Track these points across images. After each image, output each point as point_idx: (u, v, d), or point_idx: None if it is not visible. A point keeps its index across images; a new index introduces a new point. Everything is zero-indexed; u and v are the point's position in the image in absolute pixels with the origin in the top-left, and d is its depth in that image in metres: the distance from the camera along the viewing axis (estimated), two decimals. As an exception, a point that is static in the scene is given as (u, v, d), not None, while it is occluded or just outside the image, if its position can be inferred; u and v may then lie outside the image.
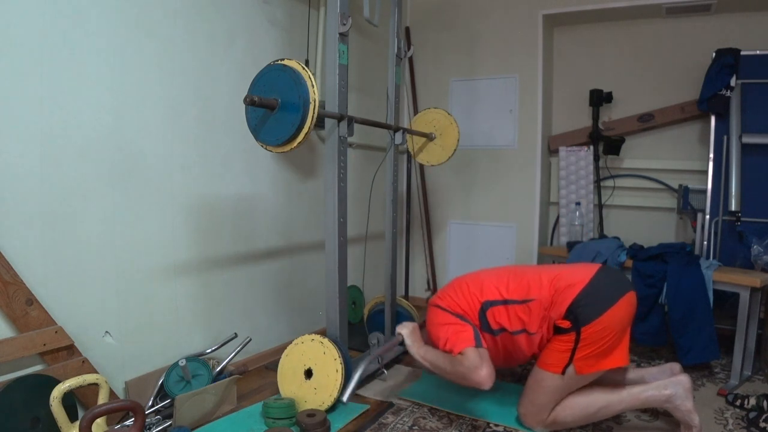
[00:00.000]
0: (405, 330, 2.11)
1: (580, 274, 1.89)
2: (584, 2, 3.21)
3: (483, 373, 1.78)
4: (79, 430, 1.42)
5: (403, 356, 2.75)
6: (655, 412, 2.07)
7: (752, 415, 1.97)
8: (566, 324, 1.80)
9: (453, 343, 1.87)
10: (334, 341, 2.12)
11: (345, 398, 1.85)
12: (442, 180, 3.80)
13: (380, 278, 3.26)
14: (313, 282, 3.03)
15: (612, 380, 1.97)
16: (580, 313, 1.79)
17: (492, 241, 3.66)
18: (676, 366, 2.00)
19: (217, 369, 2.19)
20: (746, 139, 2.79)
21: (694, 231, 3.03)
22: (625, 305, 1.84)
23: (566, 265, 2.05)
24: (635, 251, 2.82)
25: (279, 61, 1.87)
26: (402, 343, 2.10)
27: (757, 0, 2.92)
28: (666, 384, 1.82)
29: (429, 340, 2.07)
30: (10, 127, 1.67)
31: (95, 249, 1.93)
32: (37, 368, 1.75)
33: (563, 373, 1.82)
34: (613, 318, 1.79)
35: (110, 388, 1.82)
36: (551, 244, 3.65)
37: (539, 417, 1.88)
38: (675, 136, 3.29)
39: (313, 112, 1.79)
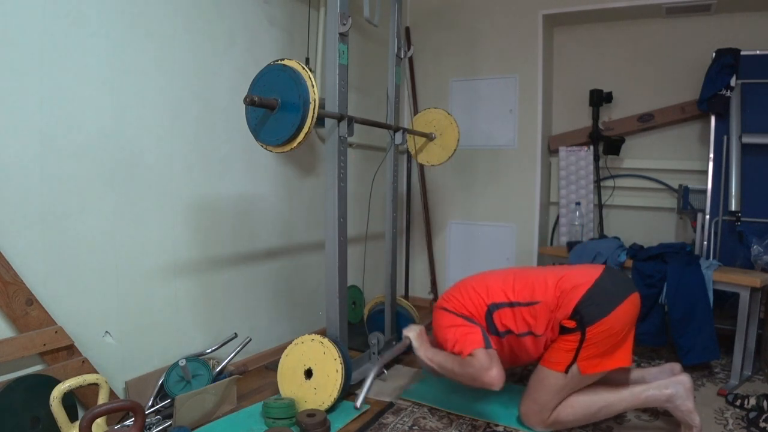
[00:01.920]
0: (412, 333, 2.11)
1: (584, 276, 1.89)
2: (584, 2, 3.21)
3: (493, 374, 1.79)
4: (79, 430, 1.42)
5: (404, 356, 2.75)
6: (656, 412, 2.07)
7: (752, 415, 1.98)
8: (572, 324, 1.81)
9: (462, 344, 1.87)
10: (334, 341, 2.12)
11: (358, 404, 1.82)
12: (442, 180, 3.80)
13: (380, 278, 3.26)
14: (313, 282, 3.03)
15: (614, 380, 1.97)
16: (585, 314, 1.79)
17: (492, 241, 3.66)
18: (676, 366, 2.00)
19: (217, 369, 2.19)
20: (746, 139, 2.79)
21: (694, 231, 3.03)
22: (630, 306, 1.84)
23: (570, 266, 2.05)
24: (635, 251, 2.82)
25: (279, 61, 1.87)
26: (410, 347, 2.10)
27: (757, 0, 2.92)
28: (667, 384, 1.83)
29: (436, 343, 2.07)
30: (10, 127, 1.67)
31: (95, 249, 1.93)
32: (37, 368, 1.75)
33: (566, 372, 1.82)
34: (617, 318, 1.79)
35: (110, 388, 1.82)
36: (551, 244, 3.65)
37: (541, 416, 1.88)
38: (675, 136, 3.29)
39: (313, 112, 1.79)
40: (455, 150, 2.92)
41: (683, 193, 3.06)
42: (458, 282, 2.12)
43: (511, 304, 1.93)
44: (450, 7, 3.67)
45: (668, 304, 2.53)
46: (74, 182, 1.85)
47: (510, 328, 1.93)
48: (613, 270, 1.98)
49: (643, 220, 3.38)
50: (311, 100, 1.78)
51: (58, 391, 1.63)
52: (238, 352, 2.30)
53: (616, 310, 1.79)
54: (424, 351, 2.05)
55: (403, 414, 2.08)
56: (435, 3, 3.71)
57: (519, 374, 2.50)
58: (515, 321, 1.92)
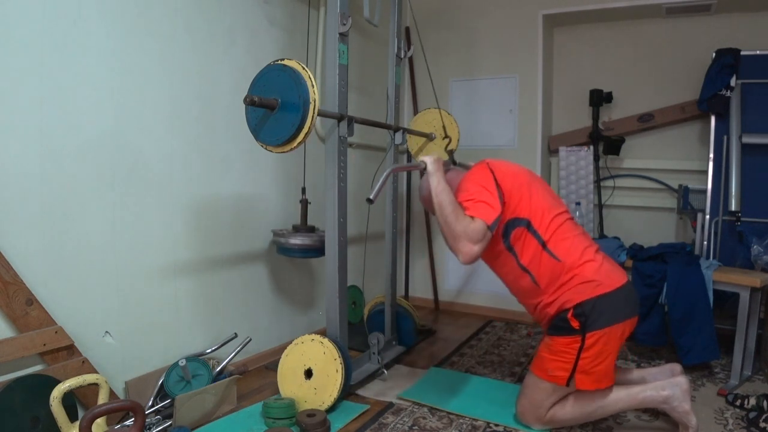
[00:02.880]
0: (429, 158, 1.96)
1: (610, 277, 1.83)
2: (584, 2, 3.21)
3: (474, 249, 1.72)
4: (79, 430, 1.42)
5: (404, 356, 2.76)
6: (655, 412, 2.07)
7: (752, 415, 1.97)
8: (576, 324, 1.79)
9: (474, 204, 1.77)
10: (334, 341, 2.12)
11: (371, 196, 1.74)
12: (442, 180, 3.79)
13: (380, 278, 3.26)
14: (313, 282, 3.03)
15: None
16: (590, 315, 1.77)
17: (492, 241, 3.65)
18: (676, 367, 2.00)
19: (217, 369, 2.19)
20: (746, 139, 2.79)
21: (694, 231, 3.03)
22: (629, 326, 1.84)
23: (606, 256, 1.93)
24: (635, 251, 2.82)
25: (279, 61, 1.87)
26: (423, 169, 1.96)
27: (757, 0, 2.92)
28: (664, 385, 1.82)
29: (452, 183, 1.93)
30: (11, 127, 1.67)
31: (95, 249, 1.93)
32: (37, 368, 1.75)
33: (568, 385, 1.82)
34: (616, 333, 1.79)
35: (110, 388, 1.82)
36: (551, 244, 3.64)
37: (537, 414, 1.88)
38: (675, 136, 3.29)
39: (313, 112, 1.79)
40: (455, 150, 2.92)
41: (683, 193, 3.07)
42: (525, 170, 1.99)
43: (542, 243, 1.84)
44: (450, 7, 3.67)
45: (668, 304, 2.53)
46: (74, 182, 1.85)
47: (519, 253, 1.86)
48: (632, 287, 1.92)
49: (643, 220, 3.38)
50: (311, 100, 1.78)
51: (58, 391, 1.63)
52: (238, 352, 2.30)
53: (618, 325, 1.79)
54: (437, 178, 1.88)
55: (403, 414, 2.08)
56: (435, 3, 3.71)
57: (519, 375, 2.50)
58: (532, 255, 1.84)
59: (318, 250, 2.45)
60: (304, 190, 2.60)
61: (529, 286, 1.89)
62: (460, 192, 1.87)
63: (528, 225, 1.85)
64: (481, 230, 1.73)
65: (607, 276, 1.83)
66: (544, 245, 1.84)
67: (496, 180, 1.85)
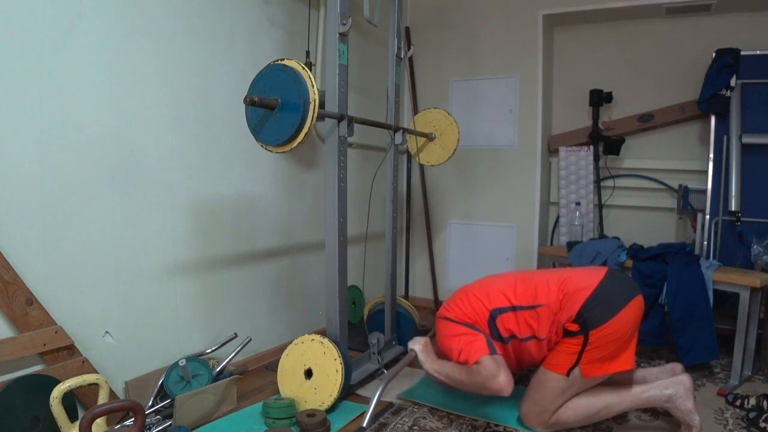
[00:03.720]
0: (417, 346, 2.12)
1: (588, 279, 1.88)
2: (584, 2, 3.21)
3: (502, 380, 1.79)
4: (79, 430, 1.42)
5: (403, 356, 2.75)
6: (656, 412, 2.07)
7: (752, 415, 1.97)
8: (575, 327, 1.80)
9: (467, 353, 1.87)
10: (334, 341, 2.12)
11: (365, 424, 1.83)
12: (442, 180, 3.80)
13: (380, 278, 3.26)
14: (313, 282, 3.03)
15: (615, 380, 1.97)
16: (588, 317, 1.78)
17: (492, 241, 3.66)
18: (677, 366, 2.00)
19: (217, 369, 2.19)
20: (746, 139, 2.79)
21: (694, 231, 3.03)
22: (634, 309, 1.84)
23: (573, 269, 2.05)
24: (635, 251, 2.81)
25: (279, 61, 1.87)
26: (415, 360, 2.10)
27: (757, 0, 2.92)
28: (667, 384, 1.82)
29: (441, 354, 2.07)
30: (10, 127, 1.67)
31: (95, 249, 1.93)
32: (37, 368, 1.75)
33: (568, 374, 1.82)
34: (621, 322, 1.79)
35: (110, 388, 1.82)
36: (551, 244, 3.65)
37: (541, 418, 1.88)
38: (675, 136, 3.29)
39: (313, 112, 1.79)
40: (455, 150, 2.92)
41: (683, 193, 3.06)
42: (459, 289, 2.12)
43: (513, 308, 1.93)
44: (450, 7, 3.67)
45: (668, 304, 2.53)
46: (74, 182, 1.85)
47: (513, 332, 1.92)
48: (617, 272, 1.97)
49: (643, 220, 3.38)
50: (311, 100, 1.78)
51: (58, 391, 1.63)
52: (238, 352, 2.30)
53: (619, 314, 1.79)
54: (430, 364, 2.06)
55: (403, 414, 2.08)
56: (435, 3, 3.70)
57: (519, 375, 2.49)
58: (518, 325, 1.92)
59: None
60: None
61: (537, 346, 1.92)
62: (449, 354, 1.98)
63: (496, 310, 1.95)
64: (490, 363, 1.82)
65: (584, 279, 1.88)
66: (515, 309, 1.93)
67: (455, 321, 1.98)
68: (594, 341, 1.78)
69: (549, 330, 1.87)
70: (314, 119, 1.80)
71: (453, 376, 1.94)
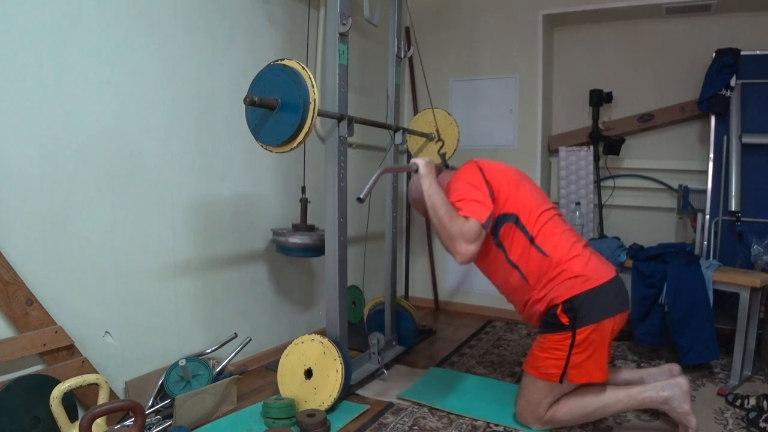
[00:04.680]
0: (421, 161, 1.97)
1: (599, 271, 1.84)
2: (584, 2, 3.21)
3: (470, 249, 1.73)
4: (79, 430, 1.42)
5: (404, 356, 2.76)
6: (655, 413, 2.07)
7: (752, 415, 1.97)
8: (565, 319, 1.79)
9: (467, 204, 1.78)
10: (334, 341, 2.12)
11: (362, 195, 1.75)
12: (442, 180, 3.80)
13: (380, 278, 3.26)
14: (313, 282, 3.03)
15: (612, 380, 1.97)
16: (580, 311, 1.78)
17: (492, 241, 3.65)
18: (675, 367, 2.00)
19: (217, 369, 2.19)
20: (746, 139, 2.79)
21: (694, 231, 3.03)
22: (619, 321, 1.84)
23: (593, 252, 1.94)
24: (635, 251, 2.82)
25: (279, 61, 1.87)
26: (415, 171, 1.98)
27: (757, 0, 2.92)
28: (664, 386, 1.82)
29: (441, 184, 1.93)
30: (10, 127, 1.67)
31: (95, 249, 1.93)
32: (37, 368, 1.75)
33: (561, 382, 1.82)
34: (605, 328, 1.79)
35: (110, 388, 1.82)
36: (551, 244, 3.64)
37: (536, 414, 1.88)
38: (675, 136, 3.29)
39: (313, 112, 1.79)
40: (455, 150, 2.92)
41: (683, 193, 3.06)
42: (512, 168, 2.00)
43: (530, 238, 1.85)
44: (450, 7, 3.67)
45: (668, 304, 2.53)
46: (74, 182, 1.85)
47: (508, 248, 1.87)
48: (621, 280, 1.93)
49: (643, 220, 3.38)
50: (311, 100, 1.78)
51: (58, 391, 1.63)
52: (238, 352, 2.30)
53: (605, 321, 1.79)
54: (429, 181, 1.88)
55: (403, 414, 2.08)
56: (435, 3, 3.71)
57: (519, 374, 2.50)
58: (520, 251, 1.85)
59: (317, 249, 2.45)
60: (303, 189, 2.60)
61: (518, 283, 1.90)
62: (450, 192, 1.87)
63: (516, 221, 1.87)
64: (476, 229, 1.74)
65: (595, 271, 1.84)
66: (532, 240, 1.85)
67: (485, 177, 1.87)
68: (580, 341, 1.78)
69: (537, 280, 1.83)
70: (314, 119, 1.80)
71: (436, 206, 1.80)
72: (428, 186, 1.87)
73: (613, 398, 1.84)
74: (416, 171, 1.97)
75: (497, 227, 1.87)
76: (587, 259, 1.86)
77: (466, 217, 1.76)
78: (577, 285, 1.80)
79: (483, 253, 1.90)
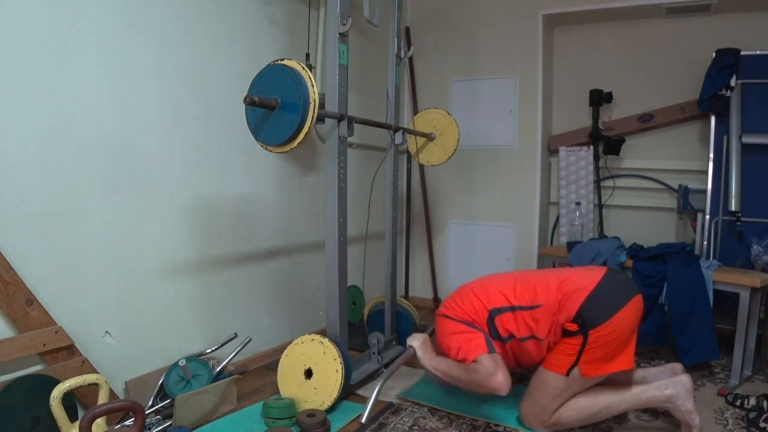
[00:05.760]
0: (416, 342, 2.12)
1: (587, 278, 1.88)
2: (584, 2, 3.21)
3: (499, 379, 1.80)
4: (79, 430, 1.42)
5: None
6: (656, 412, 2.07)
7: (752, 415, 1.97)
8: (574, 327, 1.80)
9: (466, 351, 1.88)
10: (334, 341, 2.12)
11: (363, 420, 1.87)
12: (442, 180, 3.80)
13: (380, 278, 3.26)
14: (313, 282, 3.03)
15: (615, 380, 1.97)
16: (588, 317, 1.78)
17: (492, 241, 3.66)
18: (677, 366, 2.00)
19: (217, 369, 2.19)
20: (746, 139, 2.79)
21: (694, 231, 3.03)
22: (633, 309, 1.83)
23: (572, 269, 2.05)
24: (635, 251, 2.81)
25: (279, 61, 1.87)
26: (414, 358, 2.11)
27: (757, 0, 2.92)
28: (667, 384, 1.82)
29: (440, 351, 2.07)
30: (10, 127, 1.67)
31: (95, 249, 1.93)
32: (37, 368, 1.75)
33: (568, 374, 1.82)
34: (620, 322, 1.79)
35: (110, 388, 1.82)
36: (551, 244, 3.65)
37: (541, 417, 1.88)
38: (675, 136, 3.29)
39: (313, 112, 1.79)
40: (455, 150, 2.92)
41: (683, 193, 3.06)
42: (459, 288, 2.12)
43: (512, 308, 1.93)
44: (450, 7, 3.67)
45: (668, 304, 2.53)
46: (74, 182, 1.85)
47: (512, 332, 1.92)
48: (616, 272, 1.97)
49: (643, 220, 3.38)
50: (311, 100, 1.78)
51: (58, 391, 1.63)
52: (238, 352, 2.30)
53: (618, 314, 1.79)
54: (428, 360, 2.06)
55: (403, 414, 2.08)
56: (435, 3, 3.70)
57: (519, 375, 2.50)
58: (517, 325, 1.92)
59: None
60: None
61: (536, 345, 1.92)
62: (447, 352, 1.97)
63: (495, 310, 1.95)
64: (488, 361, 1.83)
65: (583, 279, 1.88)
66: (514, 309, 1.92)
67: (456, 319, 1.97)
68: (593, 341, 1.78)
69: (548, 330, 1.87)
70: (314, 119, 1.80)
71: (451, 374, 1.94)
72: (432, 365, 2.04)
73: (617, 398, 1.84)
74: (414, 354, 2.11)
75: (495, 332, 1.94)
76: (569, 277, 1.91)
77: (475, 361, 1.84)
78: (575, 299, 1.83)
79: (509, 358, 1.97)
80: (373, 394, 1.92)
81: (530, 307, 1.90)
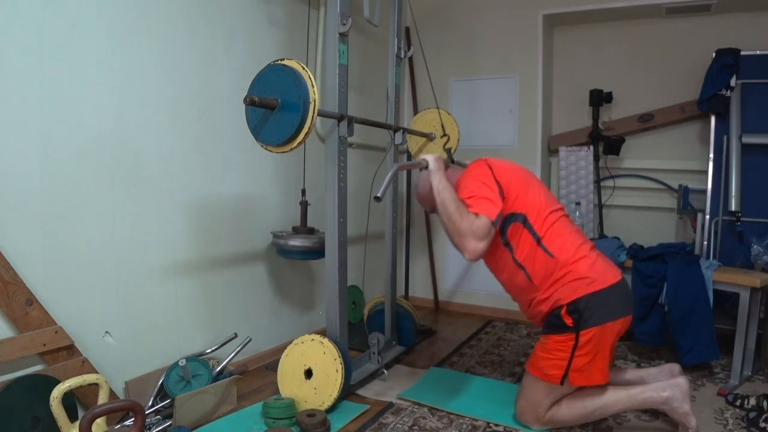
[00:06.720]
0: (431, 157, 1.96)
1: (604, 273, 1.83)
2: (584, 2, 3.21)
3: (479, 246, 1.73)
4: (79, 430, 1.42)
5: (403, 356, 2.76)
6: (655, 413, 2.07)
7: (752, 415, 1.97)
8: (569, 321, 1.79)
9: (477, 201, 1.78)
10: (334, 341, 2.12)
11: (380, 193, 1.81)
12: (442, 180, 3.79)
13: (380, 278, 3.26)
14: (313, 282, 3.03)
15: (612, 380, 1.97)
16: (584, 313, 1.77)
17: (492, 241, 3.65)
18: (675, 367, 2.00)
19: (217, 369, 2.19)
20: (746, 139, 2.79)
21: (694, 231, 3.03)
22: (623, 324, 1.83)
23: (600, 254, 1.93)
24: (635, 251, 2.81)
25: (279, 61, 1.87)
26: (425, 167, 1.96)
27: (757, 0, 2.92)
28: (664, 386, 1.82)
29: (450, 181, 1.91)
30: (11, 127, 1.67)
31: (95, 249, 1.93)
32: (37, 368, 1.75)
33: (562, 383, 1.82)
34: (610, 331, 1.79)
35: (110, 388, 1.82)
36: (551, 244, 3.64)
37: (536, 414, 1.89)
38: (675, 136, 3.29)
39: (313, 112, 1.79)
40: (455, 150, 2.92)
41: (683, 193, 3.07)
42: (521, 167, 2.00)
43: (537, 239, 1.84)
44: (450, 7, 3.67)
45: (668, 304, 2.53)
46: (74, 182, 1.85)
47: (515, 248, 1.86)
48: (626, 284, 1.93)
49: (643, 220, 3.38)
50: (311, 100, 1.78)
51: (58, 391, 1.63)
52: (238, 352, 2.30)
53: (613, 323, 1.79)
54: (438, 177, 1.88)
55: (403, 414, 2.08)
56: (435, 3, 3.71)
57: (519, 375, 2.50)
58: (527, 251, 1.85)
59: (317, 252, 2.45)
60: (303, 192, 2.60)
61: (523, 283, 1.90)
62: (460, 189, 1.87)
63: (524, 220, 1.86)
64: (486, 226, 1.74)
65: (601, 273, 1.83)
66: (539, 241, 1.85)
67: (494, 176, 1.87)
68: (583, 344, 1.77)
69: (541, 281, 1.83)
70: (314, 119, 1.80)
71: (446, 202, 1.80)
72: (438, 182, 1.86)
73: (613, 399, 1.84)
74: (426, 167, 1.96)
75: (505, 226, 1.87)
76: (593, 261, 1.85)
77: (476, 214, 1.76)
78: (582, 287, 1.80)
79: (490, 251, 1.89)
80: (388, 174, 1.87)
81: (549, 254, 1.83)
